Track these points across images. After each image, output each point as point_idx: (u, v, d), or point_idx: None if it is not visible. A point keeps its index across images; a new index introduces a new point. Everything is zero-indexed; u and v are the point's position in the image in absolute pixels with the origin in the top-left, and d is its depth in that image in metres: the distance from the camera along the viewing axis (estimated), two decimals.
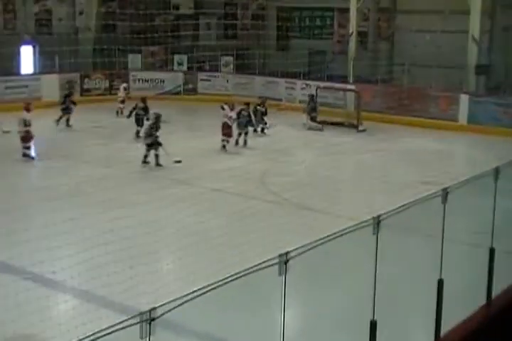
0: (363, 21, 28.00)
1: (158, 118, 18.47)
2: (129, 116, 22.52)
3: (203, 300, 5.13)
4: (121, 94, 25.72)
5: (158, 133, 18.10)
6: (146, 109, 21.60)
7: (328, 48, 29.79)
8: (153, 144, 18.02)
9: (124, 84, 26.44)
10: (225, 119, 20.12)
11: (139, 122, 21.47)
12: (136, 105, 22.19)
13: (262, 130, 22.74)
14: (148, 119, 20.32)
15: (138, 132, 21.05)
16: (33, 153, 18.65)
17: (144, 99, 22.16)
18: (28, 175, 18.27)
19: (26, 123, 18.40)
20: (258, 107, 22.83)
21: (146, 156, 17.96)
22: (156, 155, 17.83)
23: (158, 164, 17.85)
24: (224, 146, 19.84)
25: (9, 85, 26.01)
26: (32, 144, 18.66)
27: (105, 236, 11.18)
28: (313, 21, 30.79)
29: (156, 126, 18.25)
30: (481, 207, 9.06)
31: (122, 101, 25.20)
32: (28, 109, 18.83)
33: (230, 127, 20.04)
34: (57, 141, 21.16)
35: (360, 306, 8.28)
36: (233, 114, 20.34)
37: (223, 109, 20.58)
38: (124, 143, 20.81)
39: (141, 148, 18.04)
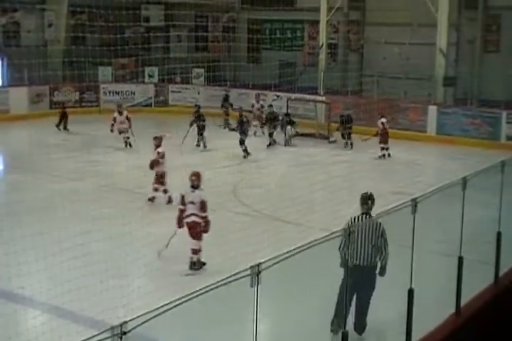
0: (332, 33, 28.32)
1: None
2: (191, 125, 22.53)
3: (175, 313, 5.07)
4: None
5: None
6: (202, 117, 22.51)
7: (298, 60, 30.04)
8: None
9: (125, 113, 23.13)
10: None
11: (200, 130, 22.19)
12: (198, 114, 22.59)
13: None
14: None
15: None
16: None
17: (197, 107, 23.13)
18: None
19: None
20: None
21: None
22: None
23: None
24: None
25: None
26: None
27: (74, 251, 11.12)
28: (283, 33, 30.95)
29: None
30: (450, 217, 9.13)
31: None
32: None
33: None
34: (25, 154, 21.02)
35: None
36: None
37: None
38: (94, 156, 20.66)
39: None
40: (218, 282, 5.49)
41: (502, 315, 9.29)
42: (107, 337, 4.55)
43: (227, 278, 5.56)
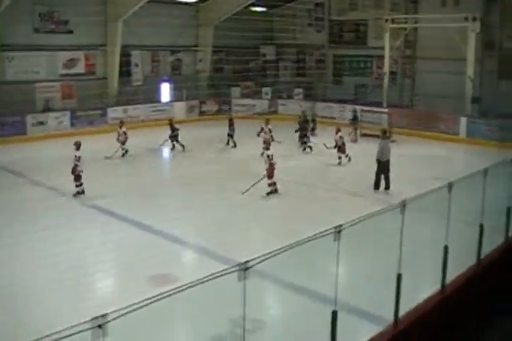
0: (393, 64, 27.62)
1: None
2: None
3: (287, 255, 5.06)
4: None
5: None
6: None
7: (368, 83, 29.44)
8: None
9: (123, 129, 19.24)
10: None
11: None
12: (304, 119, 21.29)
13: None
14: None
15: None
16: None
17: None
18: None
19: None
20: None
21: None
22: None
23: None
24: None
25: (154, 109, 26.65)
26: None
27: (217, 207, 11.13)
28: (358, 64, 30.44)
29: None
30: (475, 196, 8.88)
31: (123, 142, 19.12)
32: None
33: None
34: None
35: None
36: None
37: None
38: (224, 149, 20.79)
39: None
40: (315, 235, 5.50)
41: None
42: (235, 271, 4.57)
43: (320, 233, 5.56)
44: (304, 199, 14.03)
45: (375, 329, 6.63)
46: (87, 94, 24.16)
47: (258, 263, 4.71)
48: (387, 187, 14.67)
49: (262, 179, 14.02)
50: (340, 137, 18.08)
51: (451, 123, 23.57)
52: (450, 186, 7.59)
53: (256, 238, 11.57)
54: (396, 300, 6.60)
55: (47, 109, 23.15)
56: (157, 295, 4.03)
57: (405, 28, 26.58)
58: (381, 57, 27.27)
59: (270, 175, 13.98)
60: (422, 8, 27.20)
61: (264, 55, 33.00)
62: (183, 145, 20.14)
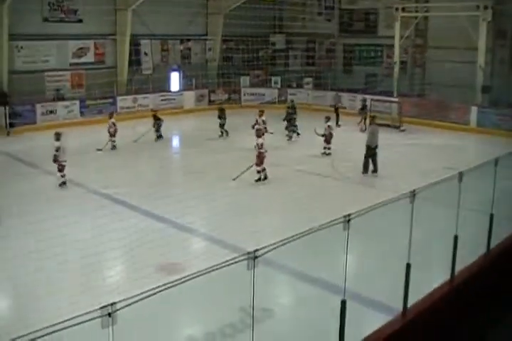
0: (403, 54, 27.38)
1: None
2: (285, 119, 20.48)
3: (297, 244, 5.06)
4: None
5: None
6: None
7: (379, 72, 29.22)
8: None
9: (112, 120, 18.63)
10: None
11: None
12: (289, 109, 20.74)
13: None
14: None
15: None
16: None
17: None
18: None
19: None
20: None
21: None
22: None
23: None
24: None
25: (163, 98, 26.64)
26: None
27: (225, 199, 11.14)
28: (368, 53, 30.21)
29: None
30: (486, 186, 8.81)
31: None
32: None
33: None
34: (192, 136, 21.51)
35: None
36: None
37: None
38: (234, 137, 20.77)
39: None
40: (322, 225, 5.48)
41: None
42: (244, 259, 4.58)
43: (330, 222, 5.54)
44: (315, 188, 13.99)
45: (384, 319, 6.62)
46: (97, 83, 24.16)
47: (267, 252, 4.70)
48: (375, 170, 15.40)
49: (251, 166, 14.35)
50: (328, 126, 17.65)
51: (461, 112, 23.39)
52: (460, 176, 7.52)
53: (265, 226, 11.58)
54: (405, 290, 6.58)
55: (58, 98, 23.18)
56: (166, 284, 4.03)
57: (416, 17, 26.32)
58: (391, 47, 27.04)
59: (259, 163, 14.34)
60: None
61: (273, 44, 32.84)
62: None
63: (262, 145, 14.40)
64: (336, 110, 23.86)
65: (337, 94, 25.61)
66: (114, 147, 18.34)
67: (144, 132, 19.55)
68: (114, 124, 18.31)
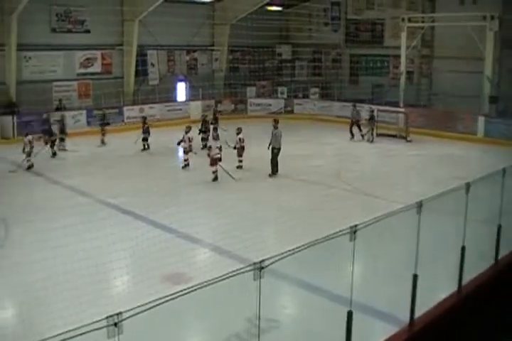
0: (409, 64, 27.44)
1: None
2: None
3: (301, 255, 5.07)
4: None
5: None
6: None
7: (385, 82, 29.27)
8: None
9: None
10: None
11: None
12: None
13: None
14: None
15: None
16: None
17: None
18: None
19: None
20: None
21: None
22: None
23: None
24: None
25: (170, 108, 26.78)
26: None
27: (227, 211, 11.11)
28: (375, 64, 30.30)
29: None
30: (493, 196, 8.80)
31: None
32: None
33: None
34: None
35: None
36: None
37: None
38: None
39: None
40: (329, 236, 5.48)
41: None
42: (250, 270, 4.57)
43: (336, 233, 5.52)
44: (320, 198, 13.97)
45: (391, 330, 6.59)
46: (104, 93, 24.33)
47: (273, 262, 4.71)
48: (275, 172, 16.23)
49: (241, 162, 16.80)
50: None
51: (468, 122, 23.37)
52: (467, 187, 7.52)
53: (271, 237, 11.57)
54: (412, 301, 6.56)
55: (60, 108, 23.28)
56: (172, 294, 4.04)
57: (422, 27, 26.41)
58: (398, 57, 27.12)
59: (240, 154, 16.72)
60: (440, 6, 27.04)
61: (280, 55, 33.00)
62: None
63: (243, 139, 16.68)
64: (357, 123, 23.40)
65: (355, 107, 24.83)
66: (30, 167, 17.00)
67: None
68: (29, 142, 17.03)
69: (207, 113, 23.52)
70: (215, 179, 15.59)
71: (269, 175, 16.19)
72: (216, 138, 17.65)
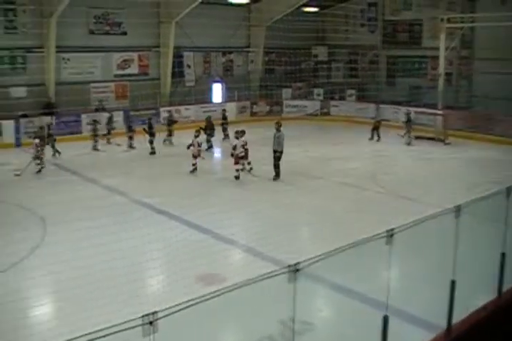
0: (448, 65, 26.94)
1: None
2: None
3: (336, 258, 5.01)
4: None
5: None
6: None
7: (423, 84, 28.86)
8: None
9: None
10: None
11: None
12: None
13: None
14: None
15: None
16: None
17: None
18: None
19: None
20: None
21: None
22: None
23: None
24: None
25: (205, 110, 26.92)
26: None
27: (264, 211, 11.10)
28: (412, 65, 29.92)
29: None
30: None
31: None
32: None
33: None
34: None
35: None
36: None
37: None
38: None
39: None
40: (365, 239, 5.42)
41: None
42: (285, 272, 4.54)
43: (373, 236, 5.45)
44: (356, 201, 13.86)
45: (428, 336, 6.48)
46: (141, 94, 24.65)
47: (309, 265, 4.68)
48: (278, 176, 15.98)
49: (250, 163, 16.75)
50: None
51: (508, 125, 22.85)
52: (508, 191, 7.32)
53: (305, 238, 11.52)
54: (449, 307, 6.43)
55: (99, 109, 23.72)
56: (207, 294, 4.06)
57: (462, 28, 25.94)
58: (436, 58, 26.69)
59: (246, 157, 16.55)
60: (480, 6, 26.53)
61: (316, 56, 32.89)
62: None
63: (246, 142, 16.48)
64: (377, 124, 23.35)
65: (378, 106, 24.77)
66: (40, 170, 16.63)
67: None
68: (36, 146, 16.67)
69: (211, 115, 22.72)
70: (237, 177, 15.84)
71: (273, 179, 15.88)
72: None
